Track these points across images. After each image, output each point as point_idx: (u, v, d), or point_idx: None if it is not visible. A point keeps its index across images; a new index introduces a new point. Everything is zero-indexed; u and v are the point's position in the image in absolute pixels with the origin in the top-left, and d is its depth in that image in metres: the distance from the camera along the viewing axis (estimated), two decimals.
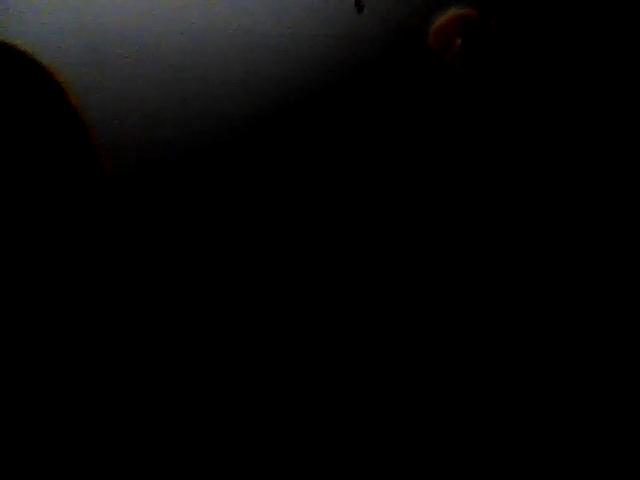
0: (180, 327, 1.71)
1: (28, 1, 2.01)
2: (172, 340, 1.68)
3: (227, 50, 2.02)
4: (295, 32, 2.02)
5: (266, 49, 2.02)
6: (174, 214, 1.89)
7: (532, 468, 1.73)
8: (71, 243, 0.92)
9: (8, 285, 0.89)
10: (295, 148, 1.95)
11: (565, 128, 1.96)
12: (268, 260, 1.83)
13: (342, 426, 1.54)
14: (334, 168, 1.94)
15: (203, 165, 1.94)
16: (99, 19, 2.01)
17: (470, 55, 1.97)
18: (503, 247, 1.89)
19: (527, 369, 1.80)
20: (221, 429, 1.48)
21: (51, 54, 2.06)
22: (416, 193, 1.93)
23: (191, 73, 2.00)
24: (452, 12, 2.00)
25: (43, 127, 0.94)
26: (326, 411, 1.58)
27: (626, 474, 1.71)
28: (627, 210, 1.91)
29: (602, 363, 1.81)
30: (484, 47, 1.98)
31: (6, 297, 0.88)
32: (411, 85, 2.00)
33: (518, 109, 1.97)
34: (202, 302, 1.75)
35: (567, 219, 1.91)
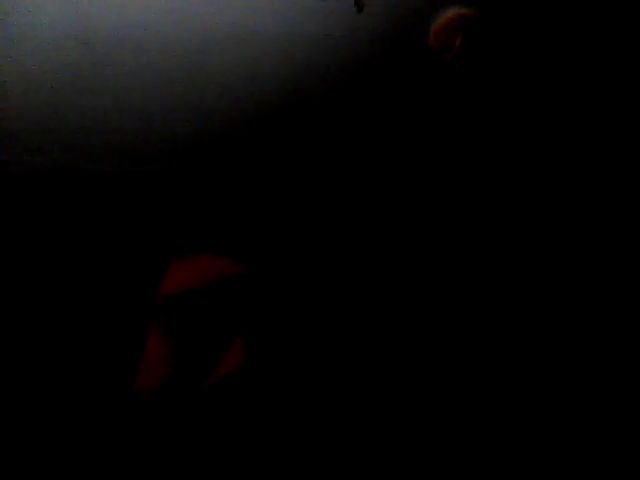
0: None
1: (28, 1, 2.01)
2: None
3: (227, 50, 2.02)
4: (295, 32, 2.02)
5: (266, 49, 2.02)
6: (175, 214, 1.89)
7: (532, 468, 1.73)
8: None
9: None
10: (296, 148, 1.95)
11: (565, 128, 1.96)
12: (267, 260, 1.83)
13: (341, 426, 1.55)
14: (334, 168, 1.94)
15: (204, 165, 1.94)
16: (99, 19, 2.02)
17: (470, 55, 1.98)
18: (503, 247, 1.89)
19: (527, 369, 1.80)
20: (220, 429, 1.49)
21: (51, 54, 2.07)
22: (416, 193, 1.93)
23: (191, 73, 2.00)
24: (452, 12, 2.00)
25: None
26: (325, 411, 1.59)
27: (626, 474, 1.71)
28: (627, 210, 1.91)
29: (602, 363, 1.81)
30: (484, 47, 1.98)
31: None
32: (411, 85, 2.00)
33: (518, 109, 1.97)
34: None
35: (567, 219, 1.91)
